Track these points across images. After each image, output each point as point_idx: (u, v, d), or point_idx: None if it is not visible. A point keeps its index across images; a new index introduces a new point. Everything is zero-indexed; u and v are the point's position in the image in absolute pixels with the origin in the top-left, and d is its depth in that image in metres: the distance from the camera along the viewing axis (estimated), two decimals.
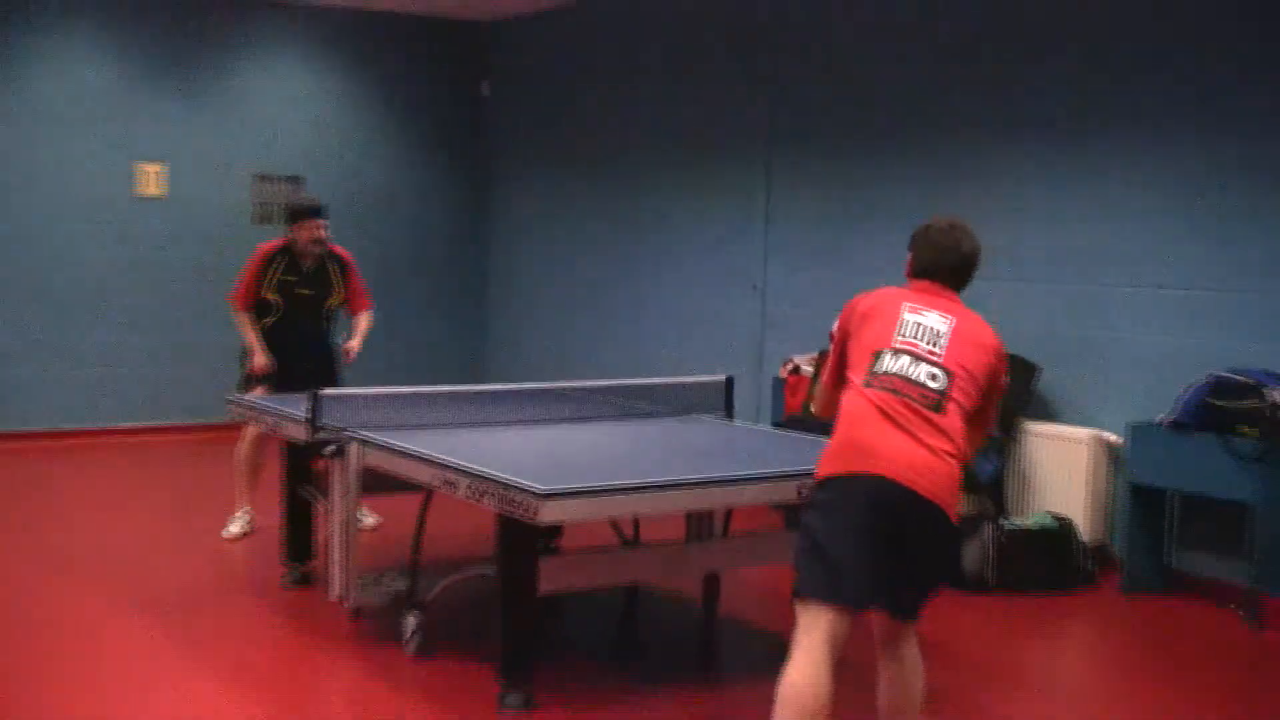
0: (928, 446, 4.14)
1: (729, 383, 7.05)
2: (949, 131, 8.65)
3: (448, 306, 12.92)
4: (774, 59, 9.94)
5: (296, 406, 6.34)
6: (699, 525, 6.50)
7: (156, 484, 9.97)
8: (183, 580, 7.22)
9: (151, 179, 11.73)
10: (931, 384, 4.22)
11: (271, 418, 6.76)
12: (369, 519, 8.13)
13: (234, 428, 7.81)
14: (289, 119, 12.36)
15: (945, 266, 4.51)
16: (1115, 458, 7.62)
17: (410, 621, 5.99)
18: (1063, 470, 7.74)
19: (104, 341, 11.63)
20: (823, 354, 7.46)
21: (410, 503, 6.15)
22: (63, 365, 11.49)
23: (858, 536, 4.14)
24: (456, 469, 5.24)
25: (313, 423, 6.08)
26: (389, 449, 5.77)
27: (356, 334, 8.15)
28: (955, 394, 4.23)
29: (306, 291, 7.96)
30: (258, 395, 7.55)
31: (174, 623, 6.47)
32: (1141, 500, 7.26)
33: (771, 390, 9.18)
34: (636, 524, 6.73)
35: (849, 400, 4.31)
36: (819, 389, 4.81)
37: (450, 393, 7.23)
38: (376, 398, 6.55)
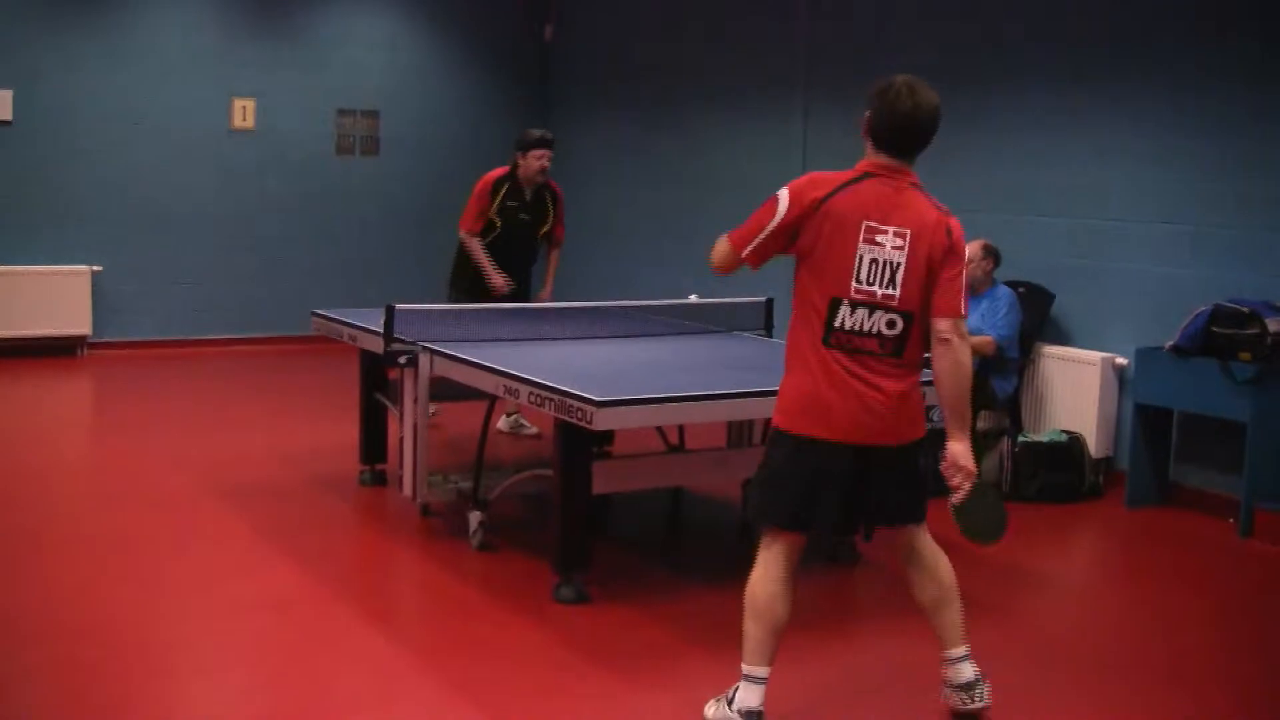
0: (886, 393, 3.94)
1: (769, 303, 6.97)
2: (967, 77, 8.45)
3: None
4: (810, 8, 9.74)
5: (374, 321, 6.27)
6: (739, 433, 6.43)
7: (247, 391, 9.96)
8: (269, 475, 7.21)
9: (243, 113, 11.67)
10: (889, 331, 3.92)
11: (350, 330, 6.69)
12: (531, 429, 8.23)
13: (318, 340, 7.75)
14: (368, 58, 12.23)
15: (914, 131, 4.10)
16: (1123, 379, 7.52)
17: (474, 518, 5.94)
18: (1074, 390, 7.62)
19: (201, 261, 11.60)
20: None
21: (476, 409, 6.09)
22: (163, 282, 11.47)
23: (820, 489, 3.99)
24: (518, 378, 5.16)
25: (387, 335, 6.01)
26: (456, 359, 5.69)
27: (548, 278, 8.15)
28: (914, 332, 3.95)
29: (525, 217, 7.89)
30: None
31: (259, 512, 6.46)
32: (1146, 419, 7.15)
33: None
34: (682, 431, 6.68)
35: (811, 354, 3.97)
36: (726, 247, 4.36)
37: (513, 309, 7.17)
38: (446, 313, 6.50)
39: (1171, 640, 5.20)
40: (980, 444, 7.22)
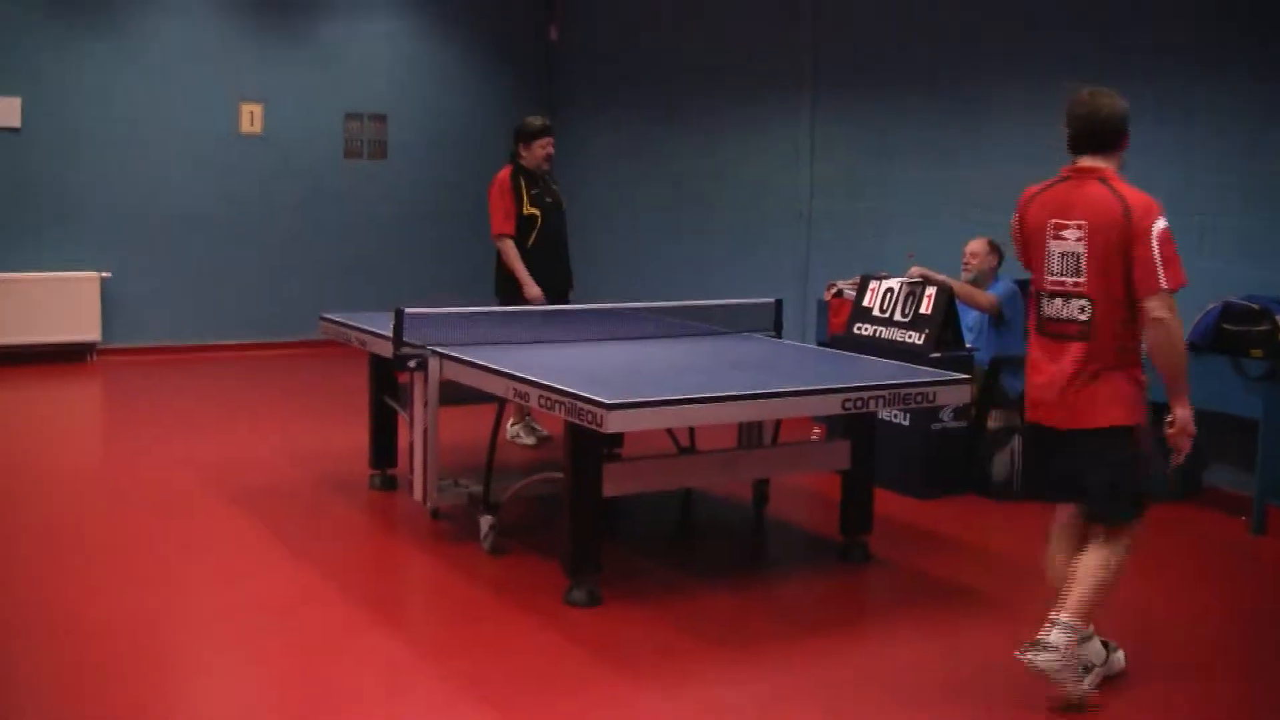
0: (1081, 376, 4.32)
1: (778, 304, 6.97)
2: (980, 72, 8.46)
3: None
4: (814, 7, 9.75)
5: (383, 325, 6.29)
6: (750, 434, 6.44)
7: (257, 395, 9.98)
8: (280, 479, 7.23)
9: (251, 117, 11.70)
10: (1081, 316, 4.33)
11: (359, 334, 6.70)
12: (529, 439, 8.16)
13: (326, 344, 7.76)
14: (375, 62, 12.28)
15: (1085, 133, 4.42)
16: None
17: (485, 522, 5.96)
18: None
19: (210, 266, 11.65)
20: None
21: (485, 414, 6.10)
22: (172, 287, 11.51)
23: (1040, 466, 4.53)
24: (528, 381, 5.17)
25: (397, 339, 6.02)
26: (466, 363, 5.71)
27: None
28: (1100, 316, 4.29)
29: (551, 200, 7.92)
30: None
31: (270, 515, 6.48)
32: (1157, 416, 7.11)
33: (816, 311, 9.06)
34: (692, 432, 6.68)
35: (1031, 342, 4.53)
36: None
37: (522, 312, 7.18)
38: (455, 317, 6.50)
39: (1187, 636, 5.20)
40: (990, 442, 7.24)
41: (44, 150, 10.94)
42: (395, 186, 12.41)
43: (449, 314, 6.50)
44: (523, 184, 7.80)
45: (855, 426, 5.87)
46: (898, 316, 7.40)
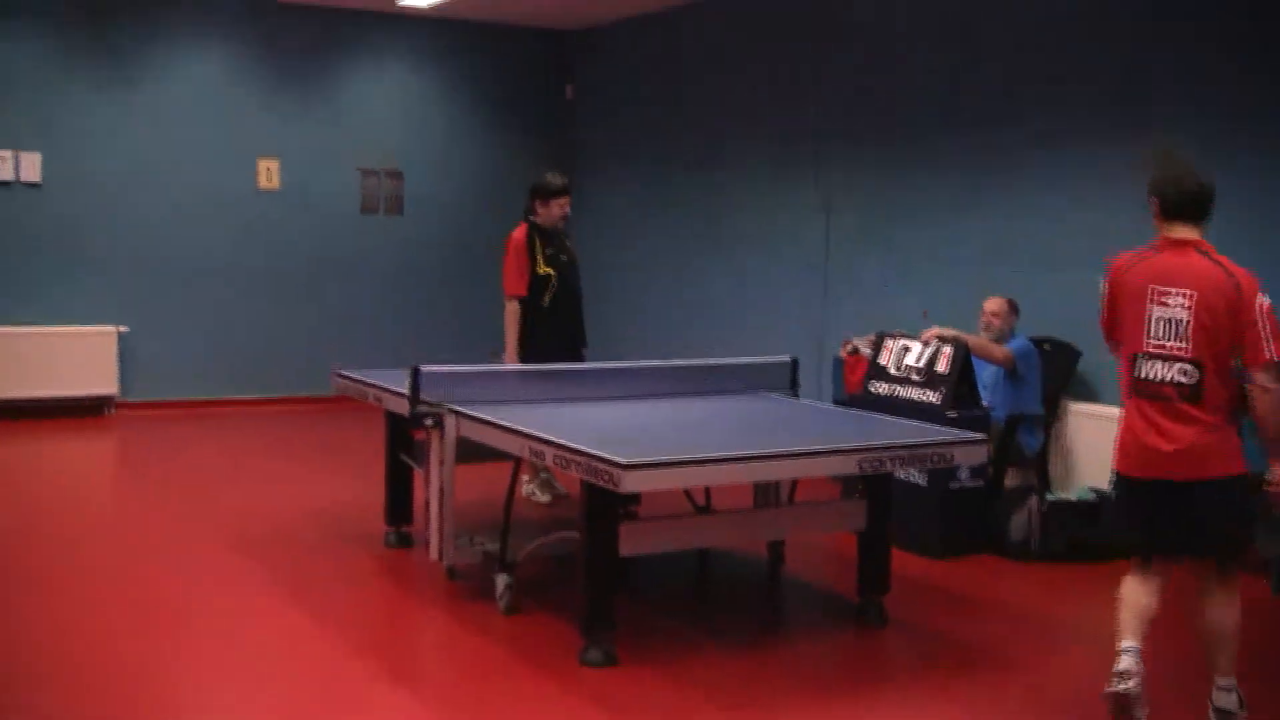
0: (1188, 431, 4.47)
1: (794, 363, 6.97)
2: (988, 130, 8.50)
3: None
4: (826, 68, 9.84)
5: (399, 382, 6.31)
6: (766, 494, 6.43)
7: (272, 450, 10.01)
8: (294, 535, 7.23)
9: (268, 172, 11.79)
10: (1184, 379, 4.48)
11: (376, 391, 6.72)
12: (544, 496, 8.14)
13: (342, 400, 7.77)
14: (390, 119, 12.39)
15: (1188, 203, 4.58)
16: None
17: (501, 580, 5.95)
18: (1102, 447, 7.48)
19: (227, 321, 11.74)
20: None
21: (501, 471, 6.10)
22: (190, 342, 11.59)
23: (1147, 519, 4.63)
24: (544, 440, 5.18)
25: (413, 397, 6.04)
26: (482, 421, 5.72)
27: None
28: (1209, 379, 4.46)
29: (566, 259, 7.92)
30: None
31: (286, 572, 6.49)
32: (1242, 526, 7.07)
33: (832, 369, 9.07)
34: (708, 491, 6.67)
35: (1128, 404, 4.64)
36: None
37: (538, 371, 7.19)
38: (471, 375, 6.51)
39: (1205, 696, 5.16)
40: (1007, 501, 7.21)
41: (63, 204, 11.03)
42: (411, 242, 12.48)
43: (465, 372, 6.51)
44: (538, 243, 7.79)
45: (872, 486, 5.86)
46: (914, 375, 7.40)
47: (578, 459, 4.91)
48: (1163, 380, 4.52)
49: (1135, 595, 4.67)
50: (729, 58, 10.96)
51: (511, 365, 7.61)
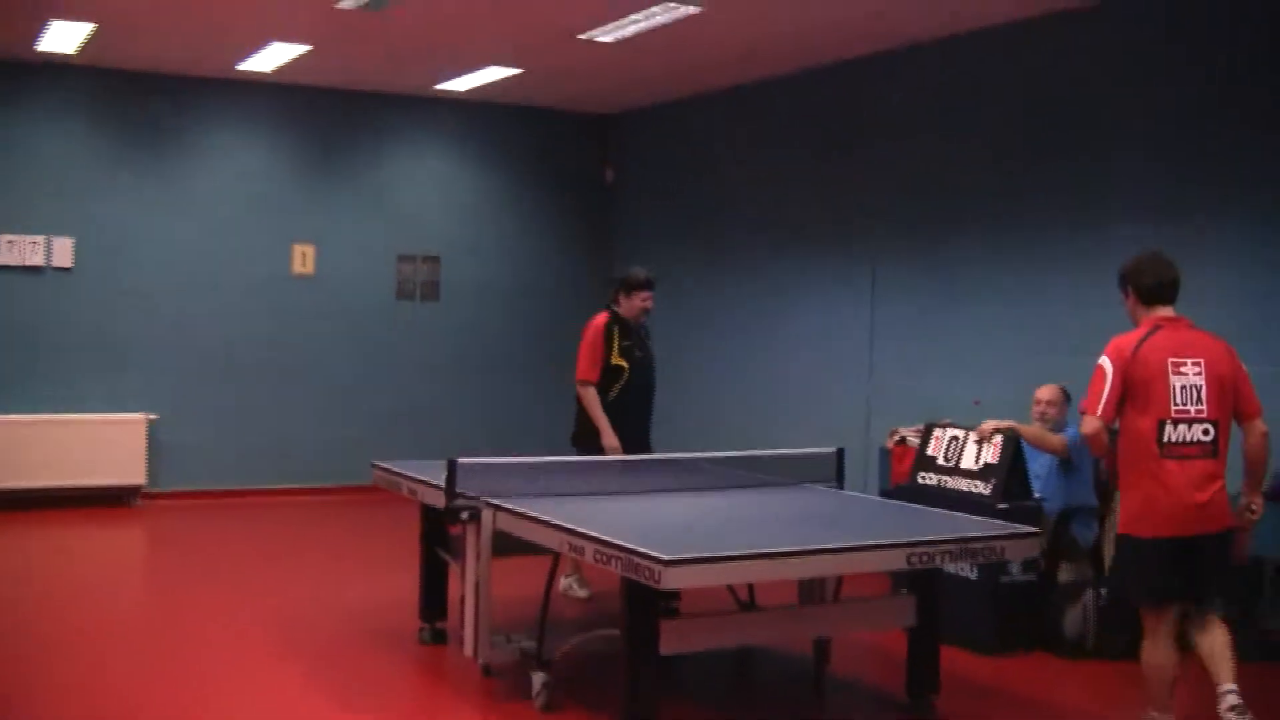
0: (1213, 485, 5.27)
1: (839, 454, 6.97)
2: (1039, 216, 8.54)
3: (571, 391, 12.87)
4: (873, 153, 9.93)
5: (435, 475, 6.35)
6: (811, 590, 6.41)
7: (304, 542, 10.07)
8: (329, 631, 7.26)
9: (303, 258, 11.93)
10: (1205, 438, 5.29)
11: (410, 483, 6.76)
12: (582, 591, 8.15)
13: (375, 492, 7.82)
14: (428, 202, 12.54)
15: (1169, 285, 5.44)
16: None
17: (538, 679, 5.95)
18: None
19: (259, 409, 11.84)
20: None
21: (540, 566, 6.12)
22: (220, 430, 11.70)
23: (1163, 575, 5.33)
24: (584, 535, 5.20)
25: (449, 489, 6.07)
26: (520, 515, 5.75)
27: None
28: (1221, 435, 5.32)
29: (640, 354, 8.02)
30: None
31: (318, 669, 6.50)
32: (1237, 568, 7.03)
33: (879, 459, 9.05)
34: (752, 588, 6.66)
35: (1154, 468, 5.26)
36: (1089, 418, 5.37)
37: (576, 463, 7.22)
38: (508, 467, 6.55)
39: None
40: (1062, 596, 7.15)
41: (95, 290, 11.21)
42: (448, 329, 12.56)
43: (502, 464, 6.54)
44: (616, 333, 7.90)
45: (921, 581, 5.85)
46: (963, 465, 7.39)
47: (618, 554, 4.92)
48: (1188, 441, 5.26)
49: (1164, 661, 5.33)
50: (772, 142, 11.07)
51: (611, 446, 7.71)
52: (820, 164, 10.49)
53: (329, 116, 12.09)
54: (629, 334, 7.96)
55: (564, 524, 5.39)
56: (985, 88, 9.05)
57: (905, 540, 5.31)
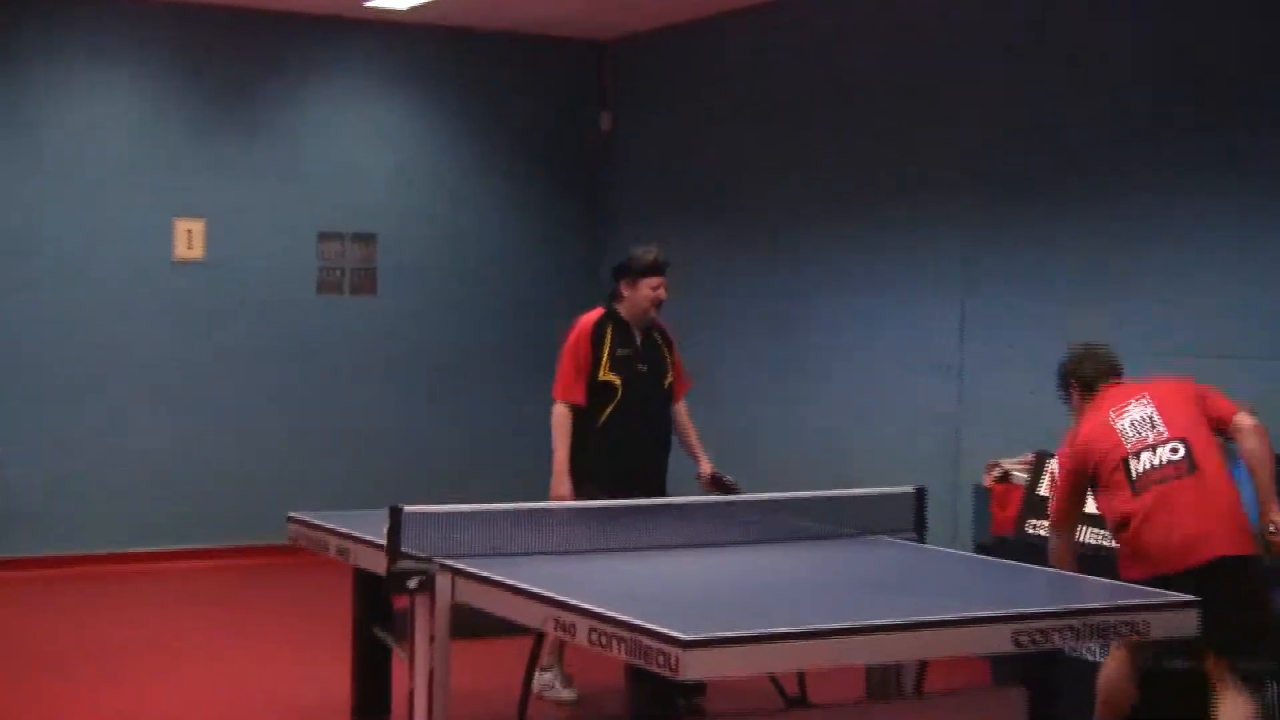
0: (1206, 501, 6.00)
1: (919, 495, 6.96)
2: (1193, 186, 8.55)
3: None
4: (970, 85, 9.94)
5: (373, 528, 6.34)
6: (884, 680, 6.41)
7: (202, 623, 10.04)
8: None
9: (189, 239, 11.89)
10: (1175, 456, 6.10)
11: (340, 540, 6.77)
12: (566, 692, 8.09)
13: (295, 553, 7.84)
14: (362, 165, 12.55)
15: (1109, 370, 6.56)
16: None
17: None
18: None
19: (133, 446, 11.80)
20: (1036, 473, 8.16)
21: (515, 649, 6.12)
22: (82, 475, 11.66)
23: (1229, 613, 5.84)
24: (575, 608, 5.20)
25: (393, 548, 6.07)
26: (488, 581, 5.75)
27: (697, 448, 8.35)
28: (1198, 448, 6.12)
29: (644, 368, 8.00)
30: None
31: None
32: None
33: (973, 502, 9.05)
34: (802, 678, 6.66)
35: (1134, 509, 6.10)
36: (1053, 535, 6.61)
37: (563, 510, 7.21)
38: (472, 516, 6.51)
39: None
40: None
41: None
42: (388, 332, 12.53)
43: (463, 512, 6.53)
44: (608, 337, 7.91)
45: (1033, 668, 5.85)
46: (1091, 509, 7.39)
47: (621, 633, 4.91)
48: (1159, 464, 6.11)
49: (1116, 690, 6.26)
50: (825, 76, 11.08)
51: (557, 490, 7.73)
52: (892, 107, 10.50)
53: (220, 44, 12.09)
54: (628, 339, 7.97)
55: (548, 593, 5.39)
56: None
57: (1011, 612, 5.28)
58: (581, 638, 5.15)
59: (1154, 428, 6.19)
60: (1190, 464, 6.09)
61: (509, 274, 12.85)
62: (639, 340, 8.00)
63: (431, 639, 6.01)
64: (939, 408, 10.00)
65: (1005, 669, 6.12)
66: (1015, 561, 6.74)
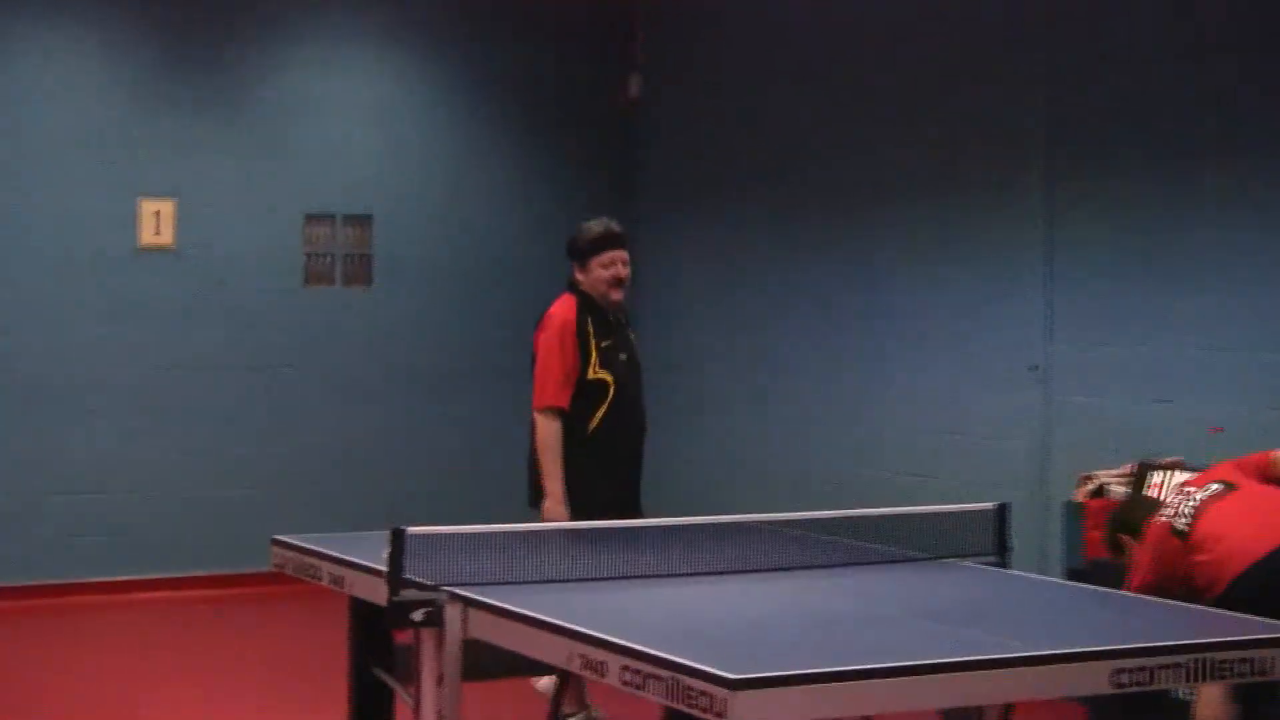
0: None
1: (1000, 512, 6.93)
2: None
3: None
4: (1053, 47, 9.91)
5: (371, 552, 6.33)
6: None
7: (170, 665, 10.07)
8: None
9: (156, 222, 11.89)
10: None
11: (333, 568, 6.76)
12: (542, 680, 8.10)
13: (281, 581, 7.83)
14: (351, 136, 12.58)
15: None
16: None
17: None
18: None
19: (93, 459, 11.84)
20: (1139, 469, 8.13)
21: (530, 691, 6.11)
22: (32, 495, 11.69)
23: None
24: (605, 643, 5.18)
25: (394, 575, 6.06)
26: (504, 613, 5.73)
27: None
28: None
29: (627, 358, 8.07)
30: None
31: None
32: None
33: (1063, 521, 9.02)
34: None
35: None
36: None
37: (589, 531, 7.20)
38: (484, 539, 6.51)
39: None
40: None
41: None
42: (385, 328, 12.56)
43: (475, 535, 6.53)
44: (591, 329, 7.91)
45: (1136, 712, 5.82)
46: None
47: (659, 674, 4.90)
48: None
49: None
50: (885, 36, 11.10)
51: (554, 520, 7.71)
52: (967, 71, 10.50)
53: (197, 12, 12.12)
54: (607, 328, 8.00)
55: (574, 626, 5.37)
56: None
57: (1109, 648, 5.25)
58: (613, 678, 5.12)
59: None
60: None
61: (522, 261, 12.82)
62: (613, 325, 8.05)
63: (440, 680, 5.99)
64: (1023, 414, 9.99)
65: (1103, 714, 6.08)
66: (1112, 590, 6.70)
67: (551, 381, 7.90)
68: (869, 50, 11.18)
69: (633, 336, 8.22)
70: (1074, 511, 8.81)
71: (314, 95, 12.49)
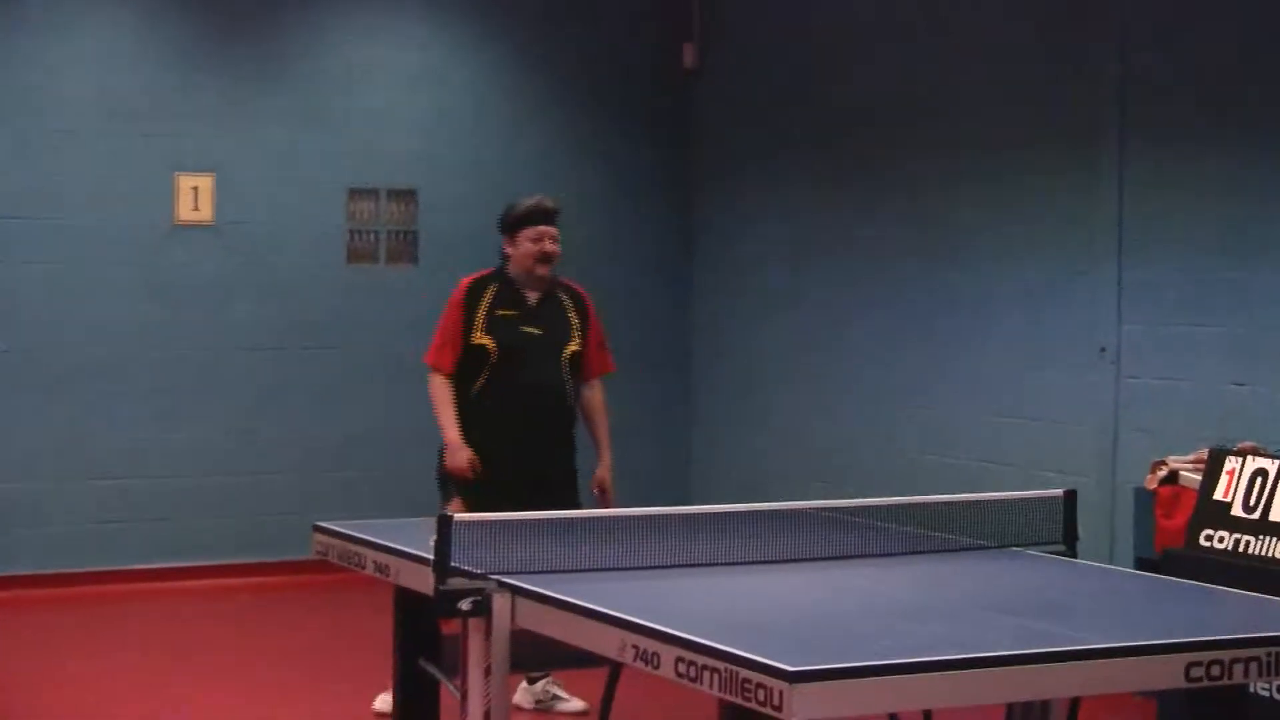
0: None
1: (1068, 500, 6.92)
2: None
3: (635, 387, 12.54)
4: (1126, 13, 9.87)
5: (417, 540, 6.36)
6: None
7: (211, 655, 10.11)
8: None
9: (194, 198, 11.92)
10: None
11: (376, 555, 6.79)
12: (573, 702, 8.24)
13: (322, 569, 7.87)
14: (396, 108, 12.60)
15: None
16: None
17: None
18: None
19: (126, 444, 11.90)
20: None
21: (586, 682, 6.13)
22: (67, 479, 11.77)
23: None
24: (660, 634, 5.20)
25: (441, 563, 6.08)
26: (555, 602, 5.76)
27: (602, 448, 8.60)
28: None
29: (534, 330, 8.23)
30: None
31: None
32: None
33: (1134, 508, 9.01)
34: (928, 717, 6.65)
35: None
36: None
37: (643, 517, 7.20)
38: (533, 526, 6.53)
39: None
40: None
41: None
42: (430, 308, 12.51)
43: (524, 522, 6.54)
44: (488, 298, 8.20)
45: (1211, 708, 5.82)
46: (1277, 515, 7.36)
47: (715, 665, 4.91)
48: None
49: None
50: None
51: (457, 465, 8.13)
52: (1035, 35, 10.48)
53: None
54: (514, 300, 8.23)
55: (626, 616, 5.39)
56: None
57: (1183, 640, 5.25)
58: (667, 669, 5.13)
59: None
60: None
61: (574, 239, 12.69)
62: (532, 301, 8.26)
63: (488, 671, 6.00)
64: (1092, 397, 9.97)
65: (1175, 710, 6.07)
66: (1186, 580, 6.69)
67: (434, 340, 8.35)
68: (930, 15, 11.16)
69: (577, 323, 8.40)
70: (1144, 499, 8.80)
71: (357, 64, 12.50)
